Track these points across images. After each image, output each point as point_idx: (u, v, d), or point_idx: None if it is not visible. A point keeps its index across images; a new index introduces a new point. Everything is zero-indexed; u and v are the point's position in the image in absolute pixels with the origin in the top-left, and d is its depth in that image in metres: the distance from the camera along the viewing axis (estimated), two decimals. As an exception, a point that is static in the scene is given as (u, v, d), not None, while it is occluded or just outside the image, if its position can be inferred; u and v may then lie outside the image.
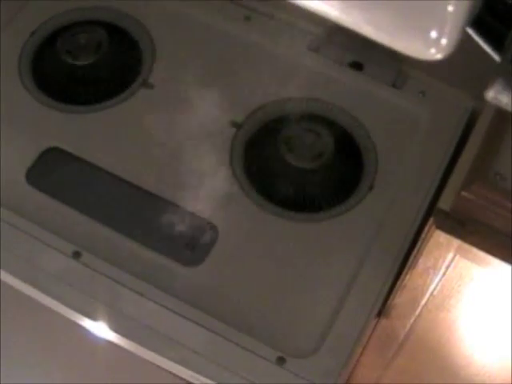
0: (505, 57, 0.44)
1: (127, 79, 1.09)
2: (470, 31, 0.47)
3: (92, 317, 0.90)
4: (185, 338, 0.88)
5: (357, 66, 1.09)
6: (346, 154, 1.02)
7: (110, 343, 0.92)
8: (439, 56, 0.48)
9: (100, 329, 0.91)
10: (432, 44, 0.46)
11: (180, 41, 1.12)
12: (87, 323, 0.91)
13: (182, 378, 0.92)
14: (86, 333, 0.93)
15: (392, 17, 0.45)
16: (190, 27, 1.13)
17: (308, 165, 0.99)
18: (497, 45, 0.46)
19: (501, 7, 0.46)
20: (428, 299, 0.86)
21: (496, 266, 0.73)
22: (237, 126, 1.04)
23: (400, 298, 0.89)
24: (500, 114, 0.73)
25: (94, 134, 1.04)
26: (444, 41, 0.46)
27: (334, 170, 1.00)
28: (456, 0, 0.43)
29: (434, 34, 0.45)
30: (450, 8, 0.43)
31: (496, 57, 0.46)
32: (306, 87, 1.05)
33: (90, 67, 1.08)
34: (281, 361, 0.87)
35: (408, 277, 0.84)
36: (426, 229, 0.78)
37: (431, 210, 0.83)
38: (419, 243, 0.82)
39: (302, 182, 1.00)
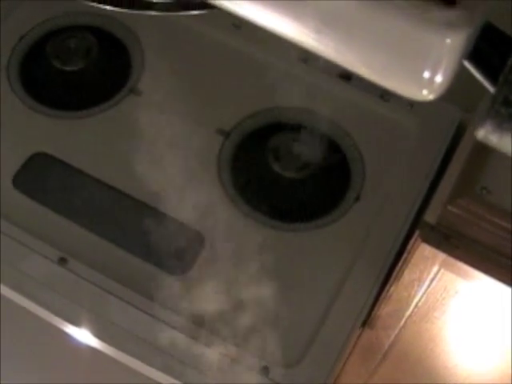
0: (496, 98, 0.44)
1: (116, 85, 1.09)
2: (465, 62, 0.47)
3: (76, 323, 0.90)
4: (169, 346, 0.88)
5: (345, 77, 1.09)
6: (333, 165, 1.03)
7: (94, 350, 0.92)
8: (431, 97, 0.47)
9: (84, 335, 0.90)
10: (424, 85, 0.46)
11: (169, 48, 1.12)
12: (71, 329, 0.91)
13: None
14: (70, 339, 0.93)
15: (385, 58, 0.45)
16: (179, 34, 1.13)
17: (295, 174, 0.99)
18: (491, 75, 0.46)
19: (497, 37, 0.46)
20: (412, 311, 0.86)
21: (481, 279, 0.73)
22: (224, 134, 1.04)
23: (385, 309, 0.89)
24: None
25: (81, 139, 1.04)
26: (437, 81, 0.46)
27: (321, 181, 1.01)
28: (451, 40, 0.43)
29: (426, 75, 0.45)
30: (445, 49, 0.43)
31: (490, 87, 0.46)
32: (295, 97, 1.06)
33: (78, 72, 1.08)
34: (265, 370, 0.87)
35: (393, 288, 0.84)
36: (412, 241, 0.78)
37: (417, 222, 0.83)
38: (405, 255, 0.82)
39: (289, 191, 1.00)
